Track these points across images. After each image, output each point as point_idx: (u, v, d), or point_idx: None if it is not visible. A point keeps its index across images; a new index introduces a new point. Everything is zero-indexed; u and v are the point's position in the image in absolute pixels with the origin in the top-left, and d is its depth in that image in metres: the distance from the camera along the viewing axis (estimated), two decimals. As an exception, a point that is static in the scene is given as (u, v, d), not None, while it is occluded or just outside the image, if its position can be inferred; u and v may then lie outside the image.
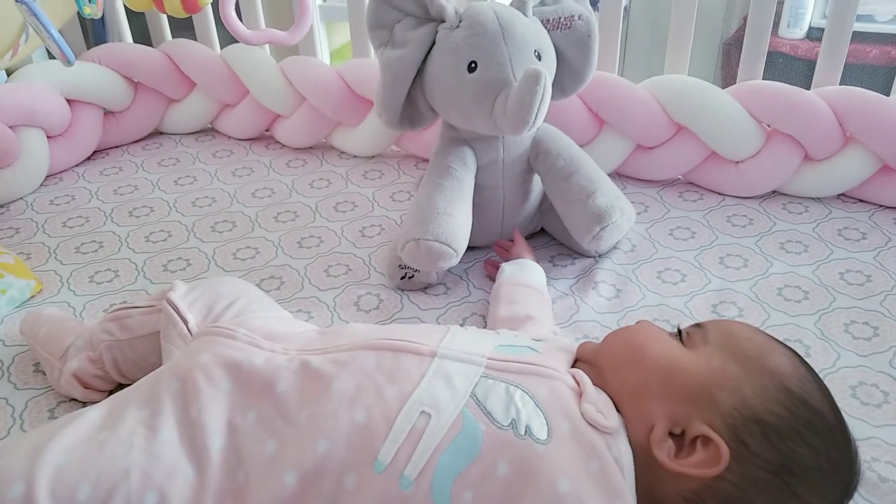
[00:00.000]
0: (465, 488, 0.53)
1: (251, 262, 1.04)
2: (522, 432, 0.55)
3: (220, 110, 1.41)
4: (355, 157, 1.33)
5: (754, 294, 0.93)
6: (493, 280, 0.94)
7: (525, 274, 0.91)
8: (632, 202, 1.13)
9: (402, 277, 0.96)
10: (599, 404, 0.59)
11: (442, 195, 0.91)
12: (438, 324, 0.91)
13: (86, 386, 0.77)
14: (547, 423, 0.56)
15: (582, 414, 0.57)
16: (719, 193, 1.15)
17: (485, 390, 0.58)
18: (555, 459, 0.54)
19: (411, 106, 0.95)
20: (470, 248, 0.94)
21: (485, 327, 0.86)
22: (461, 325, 0.73)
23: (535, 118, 0.83)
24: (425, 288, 0.97)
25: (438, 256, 0.87)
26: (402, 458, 0.54)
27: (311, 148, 1.36)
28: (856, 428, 0.72)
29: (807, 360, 0.80)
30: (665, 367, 0.60)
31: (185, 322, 0.70)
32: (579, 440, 0.56)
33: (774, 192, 1.14)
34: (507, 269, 0.91)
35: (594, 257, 1.02)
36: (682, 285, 0.96)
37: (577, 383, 0.61)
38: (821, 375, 0.78)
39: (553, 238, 1.06)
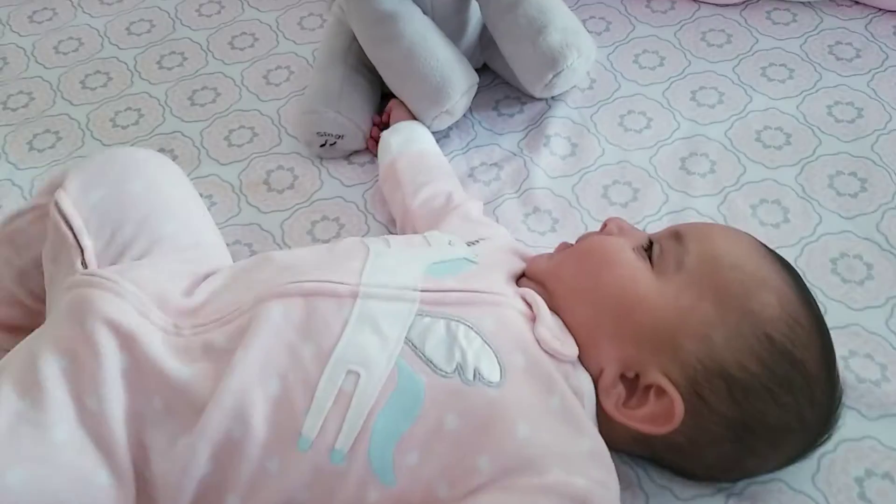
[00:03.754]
0: (408, 450, 0.46)
1: (134, 129, 0.86)
2: (471, 377, 0.47)
3: None
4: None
5: (729, 140, 0.80)
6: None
7: (416, 138, 0.77)
8: (591, 17, 0.95)
9: (323, 145, 0.80)
10: (555, 329, 0.51)
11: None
12: (365, 202, 0.77)
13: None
14: (498, 362, 0.48)
15: (537, 341, 0.49)
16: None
17: (422, 332, 0.48)
18: (511, 403, 0.47)
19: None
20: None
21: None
22: (384, 237, 0.60)
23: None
24: (349, 155, 0.82)
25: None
26: (330, 429, 0.46)
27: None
28: (834, 314, 0.65)
29: (785, 225, 0.73)
30: (621, 301, 0.51)
31: (82, 251, 0.54)
32: (536, 374, 0.48)
33: (758, -8, 0.96)
34: (394, 140, 0.76)
35: (546, 100, 0.86)
36: (647, 133, 0.82)
37: (529, 306, 0.52)
38: (799, 246, 0.71)
39: (497, 76, 0.89)
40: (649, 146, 0.80)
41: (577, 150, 0.81)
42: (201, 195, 0.78)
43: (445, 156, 0.79)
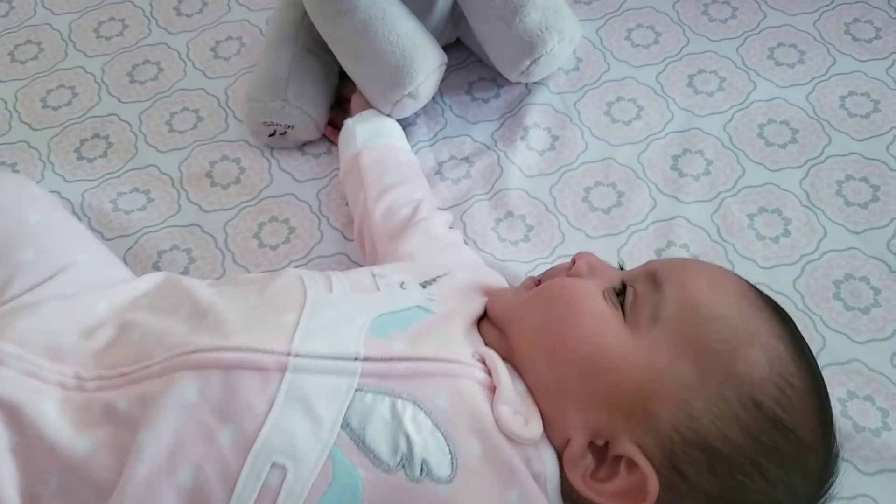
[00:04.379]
0: None
1: (66, 110, 0.77)
2: (418, 473, 0.41)
3: None
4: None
5: (728, 136, 0.72)
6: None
7: (384, 130, 0.68)
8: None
9: (272, 135, 0.72)
10: (517, 403, 0.44)
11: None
12: (319, 204, 0.69)
13: None
14: (450, 451, 0.42)
15: (496, 420, 0.43)
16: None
17: (362, 414, 0.42)
18: (463, 502, 0.41)
19: None
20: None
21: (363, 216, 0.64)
22: (328, 274, 0.52)
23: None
24: (302, 146, 0.73)
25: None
26: None
27: None
28: (833, 346, 0.59)
29: (785, 239, 0.65)
30: (589, 360, 0.44)
31: None
32: (493, 463, 0.42)
33: (769, -42, 0.85)
34: (359, 130, 0.68)
35: (525, 84, 0.77)
36: (636, 125, 0.73)
37: (489, 371, 0.45)
38: (799, 265, 0.64)
39: (472, 53, 0.79)
40: (638, 141, 0.72)
41: (557, 143, 0.72)
42: (137, 189, 0.71)
43: (410, 147, 0.71)
